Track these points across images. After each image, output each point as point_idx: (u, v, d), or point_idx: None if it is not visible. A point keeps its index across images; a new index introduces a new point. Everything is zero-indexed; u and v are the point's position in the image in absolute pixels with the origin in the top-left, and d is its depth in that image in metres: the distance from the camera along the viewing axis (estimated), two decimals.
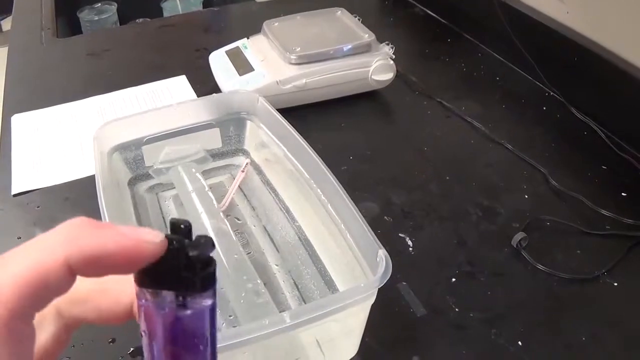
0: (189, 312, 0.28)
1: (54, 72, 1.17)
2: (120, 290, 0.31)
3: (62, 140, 0.96)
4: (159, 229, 0.75)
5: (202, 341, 0.29)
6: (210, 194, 0.72)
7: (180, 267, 0.27)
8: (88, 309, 0.31)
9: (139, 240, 0.27)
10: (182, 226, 0.28)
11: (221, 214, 0.72)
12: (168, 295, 0.28)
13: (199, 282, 0.28)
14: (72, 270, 0.25)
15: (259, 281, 0.65)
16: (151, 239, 0.27)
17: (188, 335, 0.29)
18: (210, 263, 0.28)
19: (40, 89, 1.11)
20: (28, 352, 0.26)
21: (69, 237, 0.26)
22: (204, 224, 0.68)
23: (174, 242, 0.27)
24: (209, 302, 0.28)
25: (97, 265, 0.26)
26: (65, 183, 0.87)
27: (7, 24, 1.66)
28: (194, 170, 0.77)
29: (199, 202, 0.70)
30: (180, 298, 0.28)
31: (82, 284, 0.29)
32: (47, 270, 0.25)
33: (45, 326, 0.31)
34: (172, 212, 0.78)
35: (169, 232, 0.28)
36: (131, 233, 0.27)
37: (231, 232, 0.69)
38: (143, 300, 0.28)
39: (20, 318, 0.24)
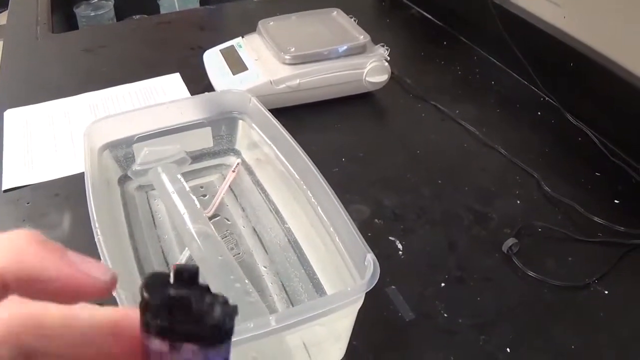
0: None
1: (48, 67, 1.16)
2: None
3: (54, 137, 0.96)
4: (147, 227, 0.76)
5: None
6: (191, 195, 0.71)
7: (197, 319, 0.25)
8: None
9: (84, 273, 0.25)
10: (185, 274, 0.26)
11: (204, 214, 0.71)
12: (187, 348, 0.25)
13: (214, 332, 0.26)
14: (5, 285, 0.24)
15: (246, 281, 0.65)
16: (99, 275, 0.26)
17: None
18: (232, 314, 0.26)
19: (34, 84, 1.11)
20: None
21: (11, 250, 0.24)
22: (187, 226, 0.67)
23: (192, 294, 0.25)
24: (226, 353, 0.27)
25: (33, 288, 0.24)
26: (56, 179, 0.87)
27: (2, 19, 1.65)
28: (174, 171, 0.76)
29: (180, 203, 0.69)
30: (197, 350, 0.25)
31: None
32: None
33: None
34: (162, 212, 0.78)
35: (172, 275, 0.26)
36: (79, 264, 0.25)
37: (215, 233, 0.68)
38: (154, 354, 0.26)
39: None
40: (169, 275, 0.25)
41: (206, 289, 0.26)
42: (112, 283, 0.26)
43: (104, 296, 0.26)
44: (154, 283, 0.25)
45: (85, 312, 0.24)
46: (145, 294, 0.25)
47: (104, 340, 0.24)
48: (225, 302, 0.26)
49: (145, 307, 0.25)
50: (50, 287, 0.25)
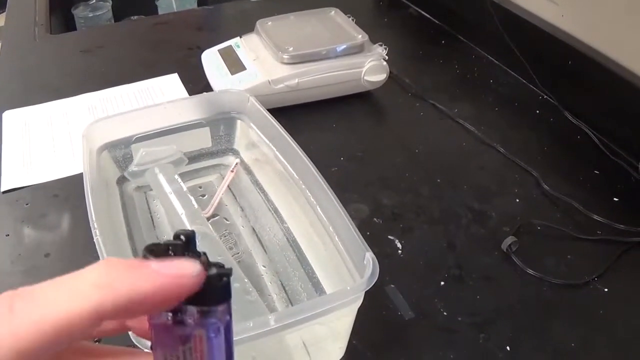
0: (210, 327, 0.27)
1: (46, 68, 1.16)
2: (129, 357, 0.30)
3: (53, 138, 0.96)
4: (146, 227, 0.75)
5: (221, 356, 0.28)
6: (189, 195, 0.71)
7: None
8: None
9: (176, 276, 0.26)
10: (181, 237, 0.27)
11: (202, 215, 0.71)
12: (190, 312, 0.26)
13: (215, 294, 0.27)
14: (102, 317, 0.24)
15: (246, 280, 0.65)
16: (189, 272, 0.26)
17: (210, 350, 0.27)
18: (228, 275, 0.27)
19: (32, 85, 1.10)
20: None
21: (103, 282, 0.25)
22: (185, 226, 0.67)
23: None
24: (227, 317, 0.27)
25: (131, 310, 0.25)
26: (55, 180, 0.87)
27: (0, 20, 1.65)
28: (171, 171, 0.76)
29: (178, 203, 0.69)
30: (201, 314, 0.26)
31: (92, 348, 0.28)
32: (75, 319, 0.24)
33: None
34: (160, 212, 0.78)
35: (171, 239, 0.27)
36: (167, 269, 0.26)
37: (213, 232, 0.68)
38: (160, 319, 0.27)
39: (26, 357, 0.23)
40: (168, 243, 0.26)
41: (202, 253, 0.27)
42: (203, 273, 0.26)
43: (194, 287, 0.26)
44: (154, 250, 0.26)
45: None
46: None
47: None
48: (221, 265, 0.26)
49: None
50: (149, 302, 0.25)
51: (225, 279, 0.27)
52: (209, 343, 0.27)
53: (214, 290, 0.26)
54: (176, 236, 0.27)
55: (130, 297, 0.25)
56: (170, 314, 0.26)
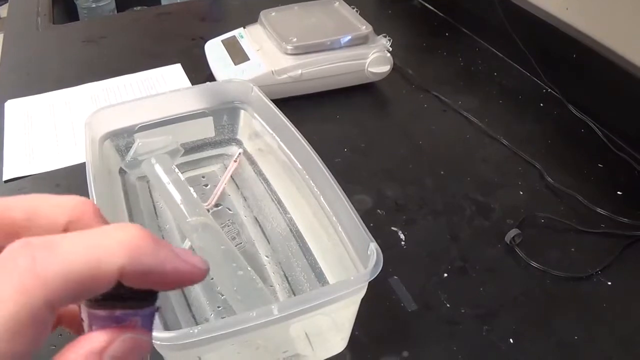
0: (139, 317, 0.28)
1: (49, 58, 1.16)
2: (53, 214, 0.29)
3: (55, 127, 0.95)
4: (149, 216, 0.75)
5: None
6: (187, 185, 0.71)
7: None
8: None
9: (193, 265, 0.28)
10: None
11: (201, 204, 0.71)
12: (122, 310, 0.27)
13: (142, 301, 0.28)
14: (122, 277, 0.25)
15: (249, 268, 0.64)
16: (201, 265, 0.28)
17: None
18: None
19: (35, 75, 1.10)
20: (42, 340, 0.24)
21: (131, 247, 0.25)
22: (184, 216, 0.67)
23: None
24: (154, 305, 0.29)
25: (146, 280, 0.26)
26: (57, 170, 0.87)
27: (4, 11, 1.65)
28: (168, 162, 0.75)
29: (177, 194, 0.69)
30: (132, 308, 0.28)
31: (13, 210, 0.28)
32: (100, 274, 0.24)
33: None
34: (163, 201, 0.78)
35: None
36: (186, 256, 0.27)
37: (214, 222, 0.68)
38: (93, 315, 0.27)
39: (51, 308, 0.23)
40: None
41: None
42: (207, 269, 0.28)
43: (201, 280, 0.28)
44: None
45: None
46: None
47: None
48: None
49: None
50: (163, 279, 0.27)
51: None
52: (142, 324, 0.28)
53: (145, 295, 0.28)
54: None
55: (152, 270, 0.26)
56: (106, 310, 0.27)
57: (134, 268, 0.25)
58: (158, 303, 0.28)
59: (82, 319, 0.27)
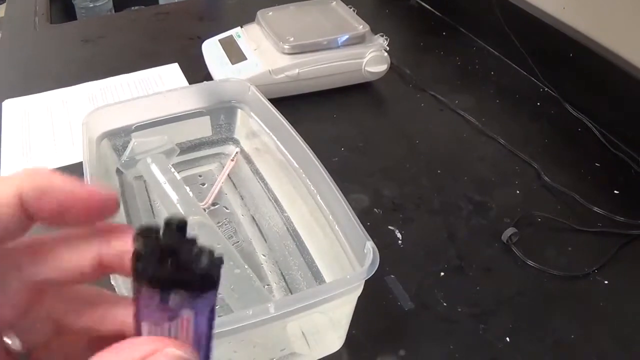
0: (193, 311, 0.27)
1: (47, 57, 1.16)
2: (84, 244, 0.29)
3: (53, 127, 0.95)
4: (146, 215, 0.75)
5: (202, 340, 0.28)
6: (183, 184, 0.71)
7: (186, 268, 0.26)
8: (51, 266, 0.29)
9: (95, 190, 0.28)
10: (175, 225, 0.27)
11: (197, 203, 0.71)
12: (175, 296, 0.26)
13: (202, 281, 0.27)
14: (25, 206, 0.26)
15: (246, 267, 0.65)
16: (107, 192, 0.28)
17: (191, 334, 0.27)
18: (219, 264, 0.27)
19: (32, 75, 1.10)
20: None
21: (25, 173, 0.26)
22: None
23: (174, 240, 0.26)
24: (213, 301, 0.27)
25: (51, 204, 0.26)
26: (54, 169, 0.86)
27: (1, 11, 1.65)
28: (163, 161, 0.75)
29: (173, 193, 0.69)
30: (192, 297, 0.27)
31: (44, 240, 0.29)
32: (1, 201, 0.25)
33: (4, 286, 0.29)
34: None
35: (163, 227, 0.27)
36: (88, 185, 0.28)
37: (210, 221, 0.68)
38: (145, 301, 0.27)
39: None
40: (159, 227, 0.26)
41: (194, 240, 0.27)
42: (118, 200, 0.28)
43: (113, 212, 0.28)
44: (144, 234, 0.26)
45: None
46: (136, 245, 0.26)
47: None
48: (211, 252, 0.27)
49: (136, 257, 0.26)
50: (67, 202, 0.27)
51: (216, 268, 0.27)
52: (195, 323, 0.27)
53: (205, 276, 0.27)
54: (168, 222, 0.27)
55: (49, 188, 0.26)
56: (159, 295, 0.26)
57: (32, 189, 0.26)
58: (210, 299, 0.27)
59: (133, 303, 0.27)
